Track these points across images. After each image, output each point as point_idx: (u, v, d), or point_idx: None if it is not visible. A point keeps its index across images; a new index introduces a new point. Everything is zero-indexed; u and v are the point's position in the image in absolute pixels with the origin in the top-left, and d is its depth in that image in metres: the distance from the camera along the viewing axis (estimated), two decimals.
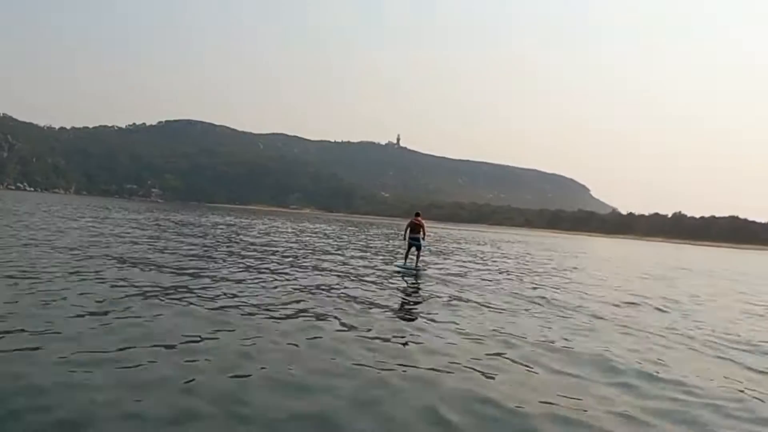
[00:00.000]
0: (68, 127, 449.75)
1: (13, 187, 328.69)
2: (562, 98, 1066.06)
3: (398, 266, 22.03)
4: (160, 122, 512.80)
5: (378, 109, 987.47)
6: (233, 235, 38.76)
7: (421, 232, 21.08)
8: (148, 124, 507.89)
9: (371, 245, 39.79)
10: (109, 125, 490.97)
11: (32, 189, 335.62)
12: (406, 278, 19.73)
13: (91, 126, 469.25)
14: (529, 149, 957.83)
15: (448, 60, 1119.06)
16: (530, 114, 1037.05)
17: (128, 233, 31.53)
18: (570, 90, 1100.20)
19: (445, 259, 31.89)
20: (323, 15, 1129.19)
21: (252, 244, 31.64)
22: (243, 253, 24.76)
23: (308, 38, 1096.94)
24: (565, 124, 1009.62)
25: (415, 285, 18.47)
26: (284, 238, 41.27)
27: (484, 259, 35.44)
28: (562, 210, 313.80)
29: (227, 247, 27.53)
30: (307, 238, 41.77)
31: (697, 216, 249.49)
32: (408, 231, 21.36)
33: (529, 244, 76.11)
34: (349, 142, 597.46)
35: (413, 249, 21.52)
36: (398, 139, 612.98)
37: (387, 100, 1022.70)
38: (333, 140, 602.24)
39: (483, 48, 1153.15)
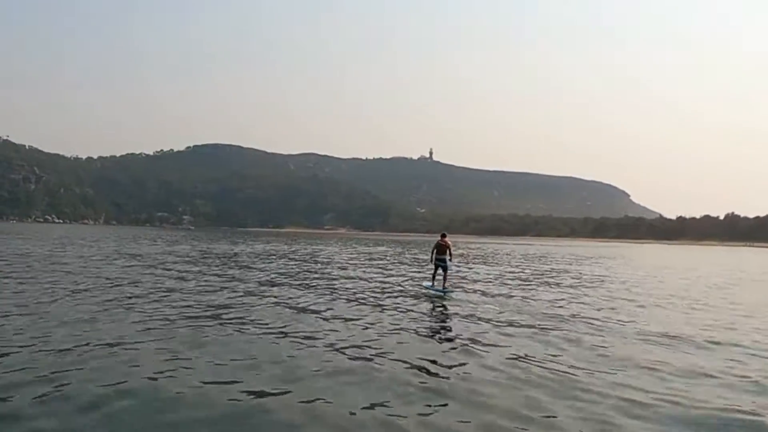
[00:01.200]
0: (95, 156, 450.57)
1: (41, 220, 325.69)
2: (593, 103, 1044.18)
3: (426, 287, 21.50)
4: (188, 147, 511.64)
5: (408, 123, 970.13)
6: (319, 269, 31.24)
7: (448, 253, 20.74)
8: (176, 150, 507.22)
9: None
10: (137, 153, 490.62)
11: (60, 221, 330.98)
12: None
13: (118, 154, 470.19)
14: (565, 156, 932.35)
15: (472, 69, 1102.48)
16: (563, 120, 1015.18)
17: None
18: (600, 94, 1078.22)
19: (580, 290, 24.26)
20: (339, 31, 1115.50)
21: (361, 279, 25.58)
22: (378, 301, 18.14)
23: (326, 56, 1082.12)
24: (597, 129, 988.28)
25: None
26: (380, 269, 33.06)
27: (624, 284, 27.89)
28: (607, 217, 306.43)
29: (348, 297, 19.39)
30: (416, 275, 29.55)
31: (751, 216, 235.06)
32: (434, 252, 20.96)
33: (619, 258, 64.98)
34: (380, 158, 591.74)
35: (440, 270, 20.95)
36: (431, 153, 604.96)
37: (416, 114, 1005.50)
38: (365, 157, 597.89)
39: (505, 54, 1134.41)
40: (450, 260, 20.97)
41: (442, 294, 19.87)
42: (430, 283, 21.57)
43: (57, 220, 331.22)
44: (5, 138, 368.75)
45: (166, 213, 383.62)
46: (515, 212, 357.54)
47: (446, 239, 21.12)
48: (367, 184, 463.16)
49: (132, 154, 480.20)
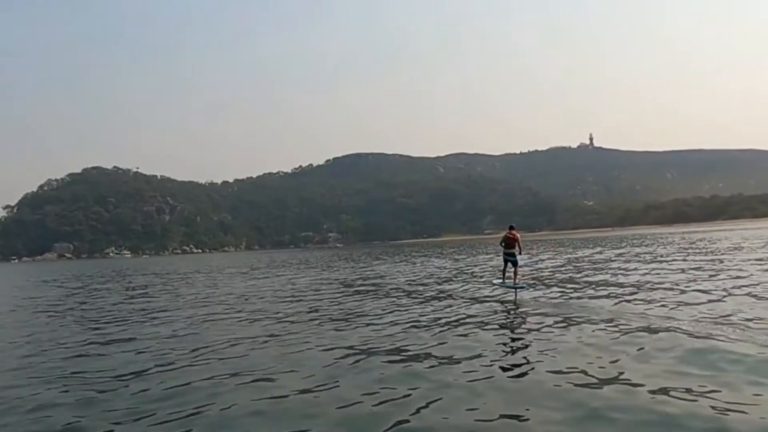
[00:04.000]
0: (231, 179, 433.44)
1: (179, 251, 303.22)
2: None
3: (497, 284, 21.38)
4: (327, 160, 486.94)
5: (560, 112, 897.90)
6: None
7: (517, 247, 19.97)
8: (315, 164, 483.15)
9: None
10: (274, 171, 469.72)
11: (199, 251, 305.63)
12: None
13: (254, 175, 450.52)
14: (742, 125, 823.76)
15: (619, 52, 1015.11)
16: (730, 90, 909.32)
17: None
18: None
19: None
20: (471, 24, 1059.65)
21: None
22: None
23: (458, 53, 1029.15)
24: None
25: None
26: None
27: None
28: None
29: None
30: None
31: None
32: (502, 246, 20.38)
33: None
34: (536, 150, 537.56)
35: (509, 265, 20.29)
36: (591, 139, 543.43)
37: (567, 102, 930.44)
38: (518, 152, 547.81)
39: (656, 30, 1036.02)
40: (520, 254, 20.14)
41: (513, 289, 19.38)
42: (500, 280, 21.10)
43: (195, 250, 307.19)
44: (135, 170, 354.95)
45: (310, 232, 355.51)
46: (691, 195, 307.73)
47: (514, 232, 20.14)
48: (525, 181, 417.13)
49: (269, 173, 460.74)
